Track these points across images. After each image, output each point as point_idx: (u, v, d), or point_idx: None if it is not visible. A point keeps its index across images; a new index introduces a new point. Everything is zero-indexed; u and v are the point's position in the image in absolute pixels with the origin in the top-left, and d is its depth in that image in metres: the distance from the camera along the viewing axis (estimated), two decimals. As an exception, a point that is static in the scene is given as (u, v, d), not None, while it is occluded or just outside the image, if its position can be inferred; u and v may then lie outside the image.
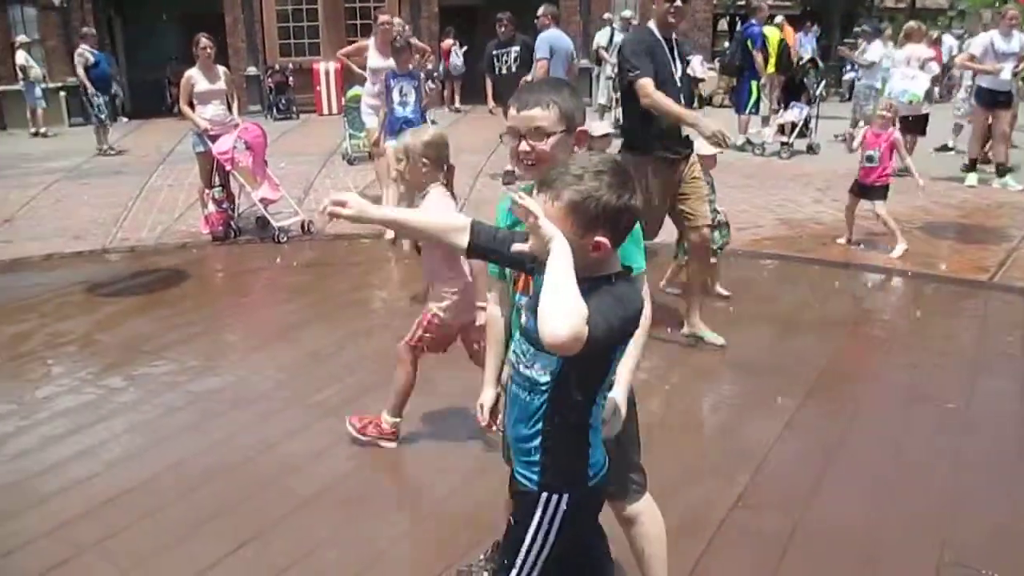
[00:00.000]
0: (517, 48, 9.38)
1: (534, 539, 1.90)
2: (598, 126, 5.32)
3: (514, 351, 1.90)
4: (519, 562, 1.92)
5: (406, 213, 2.21)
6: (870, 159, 6.57)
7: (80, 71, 13.31)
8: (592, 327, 1.58)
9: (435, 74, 13.31)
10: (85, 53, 13.40)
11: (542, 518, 1.89)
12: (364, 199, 2.00)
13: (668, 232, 5.07)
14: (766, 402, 4.12)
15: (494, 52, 9.53)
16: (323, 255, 7.18)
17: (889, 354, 4.86)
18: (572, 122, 2.12)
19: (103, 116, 13.40)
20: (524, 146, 2.10)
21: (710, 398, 4.35)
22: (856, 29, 13.66)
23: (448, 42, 18.62)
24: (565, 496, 1.88)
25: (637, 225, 2.18)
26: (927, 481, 3.36)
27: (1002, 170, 9.33)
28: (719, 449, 3.77)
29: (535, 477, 1.89)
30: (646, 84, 4.41)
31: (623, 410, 2.05)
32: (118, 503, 3.31)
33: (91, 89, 13.21)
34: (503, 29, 9.48)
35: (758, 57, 11.63)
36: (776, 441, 3.72)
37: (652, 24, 4.67)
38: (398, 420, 3.71)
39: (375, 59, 8.19)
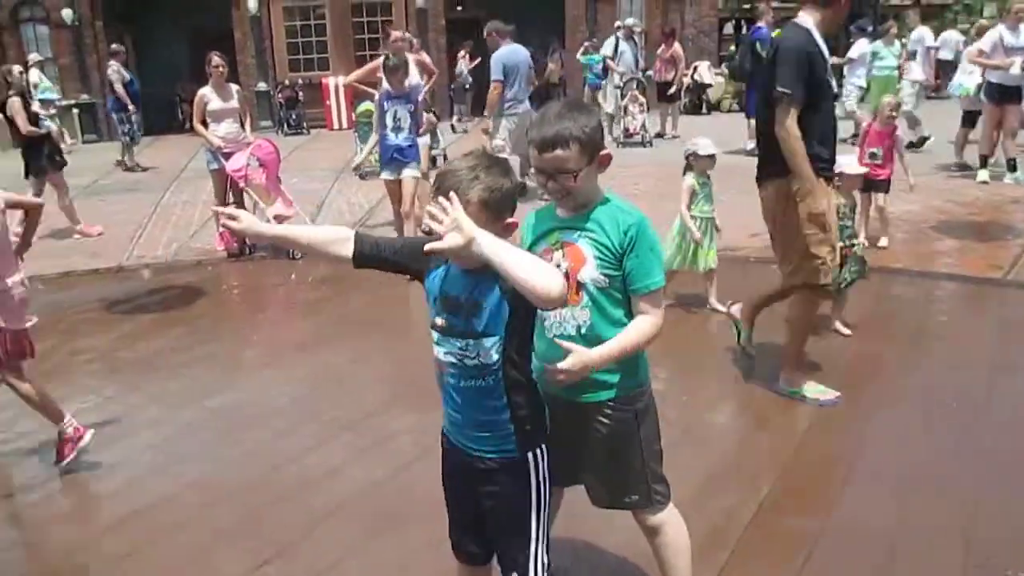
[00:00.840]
0: None
1: (538, 499, 2.00)
2: (705, 144, 5.23)
3: (447, 353, 1.96)
4: (533, 531, 2.00)
5: (291, 229, 2.32)
6: (873, 156, 6.59)
7: (119, 87, 13.32)
8: None
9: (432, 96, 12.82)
10: (121, 71, 13.49)
11: (537, 476, 2.00)
12: (255, 218, 2.19)
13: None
14: (786, 407, 4.10)
15: None
16: (337, 271, 7.14)
17: (907, 354, 4.83)
18: (596, 150, 2.10)
19: (134, 133, 13.52)
20: (553, 185, 2.10)
21: (729, 405, 4.34)
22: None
23: (460, 54, 18.59)
24: (544, 445, 2.02)
25: (656, 238, 2.17)
26: (951, 481, 3.33)
27: (1013, 165, 9.28)
28: (741, 455, 3.76)
29: (512, 446, 1.98)
30: (791, 118, 3.63)
31: (582, 363, 2.02)
32: (139, 520, 3.33)
33: (131, 106, 13.28)
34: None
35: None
36: (797, 445, 3.71)
37: (811, 23, 3.71)
38: (68, 419, 3.73)
39: None
